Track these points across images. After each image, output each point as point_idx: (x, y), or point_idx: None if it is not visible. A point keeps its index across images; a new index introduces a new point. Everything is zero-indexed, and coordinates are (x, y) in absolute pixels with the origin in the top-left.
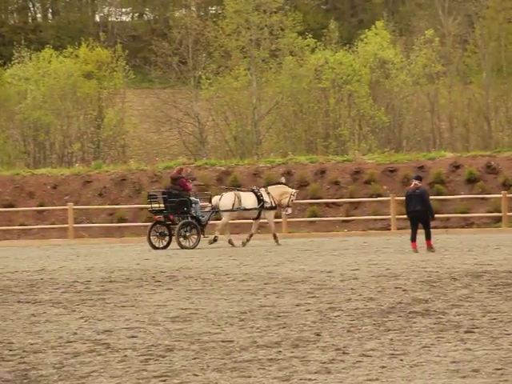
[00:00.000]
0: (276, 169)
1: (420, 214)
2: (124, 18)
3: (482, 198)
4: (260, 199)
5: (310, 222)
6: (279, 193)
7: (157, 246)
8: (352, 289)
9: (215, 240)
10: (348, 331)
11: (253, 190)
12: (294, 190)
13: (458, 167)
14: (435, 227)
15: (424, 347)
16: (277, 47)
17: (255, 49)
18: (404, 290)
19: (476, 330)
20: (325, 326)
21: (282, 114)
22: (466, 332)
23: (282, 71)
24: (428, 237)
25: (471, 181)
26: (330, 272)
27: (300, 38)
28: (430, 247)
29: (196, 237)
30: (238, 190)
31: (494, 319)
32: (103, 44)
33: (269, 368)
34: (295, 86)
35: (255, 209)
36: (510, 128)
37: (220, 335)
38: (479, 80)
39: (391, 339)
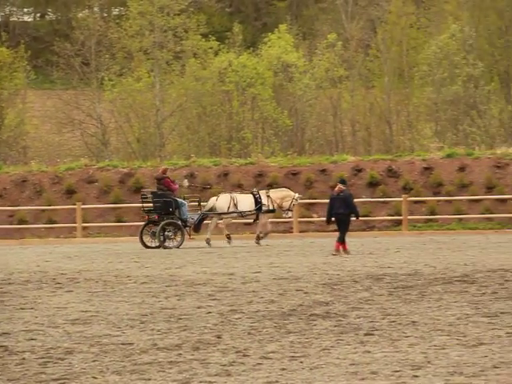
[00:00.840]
0: (179, 171)
1: (342, 217)
2: (26, 18)
3: (383, 202)
4: (258, 202)
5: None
6: (281, 196)
7: (149, 245)
8: (253, 291)
9: (229, 238)
10: (249, 333)
11: (252, 193)
12: (297, 195)
13: (359, 171)
14: (336, 230)
15: (324, 349)
16: (181, 49)
17: (159, 51)
18: (305, 293)
19: (375, 333)
20: (226, 329)
21: (185, 116)
22: (365, 334)
23: (186, 73)
24: (340, 240)
25: (373, 184)
26: (231, 274)
27: (204, 40)
28: (338, 250)
29: (180, 237)
30: (239, 192)
31: (394, 322)
32: (4, 44)
33: (169, 370)
34: (199, 89)
35: (250, 213)
36: (411, 132)
37: (120, 337)
38: (381, 84)
39: (292, 341)
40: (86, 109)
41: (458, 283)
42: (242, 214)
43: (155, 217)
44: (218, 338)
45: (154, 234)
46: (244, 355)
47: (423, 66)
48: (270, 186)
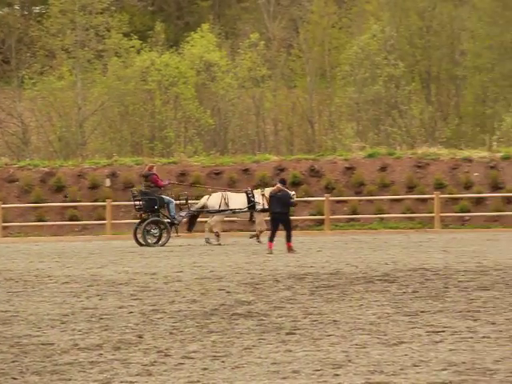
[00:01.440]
0: (101, 170)
1: (280, 216)
2: None
3: (306, 201)
4: (251, 201)
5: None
6: None
7: (149, 242)
8: (175, 291)
9: (217, 236)
10: (170, 333)
11: (246, 192)
12: (292, 192)
13: (282, 170)
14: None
15: (246, 349)
16: (103, 48)
17: (80, 49)
18: (227, 292)
19: (297, 332)
20: (147, 328)
21: (107, 115)
22: (287, 334)
23: (108, 72)
24: (288, 239)
25: (295, 184)
26: (153, 274)
27: (126, 39)
28: (289, 248)
29: (165, 235)
30: (232, 191)
31: (315, 321)
32: None
33: (89, 371)
34: (121, 88)
35: (241, 210)
36: (333, 132)
37: (41, 338)
38: (303, 84)
39: (214, 341)
40: (6, 107)
41: (379, 282)
42: (233, 212)
43: (141, 215)
44: (140, 337)
45: (145, 232)
46: (165, 355)
47: (345, 66)
48: (265, 185)
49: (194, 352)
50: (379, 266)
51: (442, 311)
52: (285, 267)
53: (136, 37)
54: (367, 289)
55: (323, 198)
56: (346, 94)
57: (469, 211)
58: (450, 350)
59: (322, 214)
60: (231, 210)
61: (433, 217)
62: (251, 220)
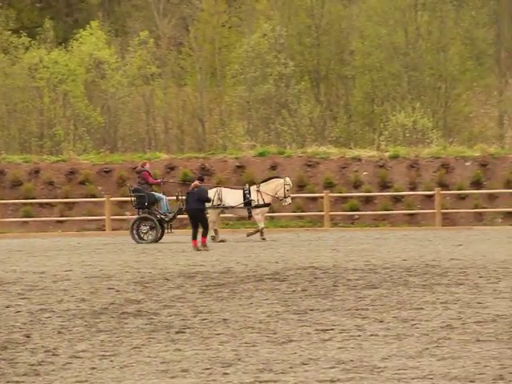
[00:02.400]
0: None
1: (195, 213)
2: None
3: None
4: (246, 198)
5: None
6: (272, 187)
7: (145, 239)
8: (64, 290)
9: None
10: (59, 332)
11: (243, 188)
12: (287, 179)
13: (172, 169)
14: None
15: (135, 348)
16: None
17: None
18: (117, 291)
19: (187, 331)
20: (35, 328)
21: None
22: (177, 332)
23: None
24: (204, 234)
25: (186, 182)
26: (42, 273)
27: (14, 35)
28: (203, 244)
29: (153, 232)
30: (228, 188)
31: (205, 319)
32: None
33: None
34: (8, 84)
35: (232, 206)
36: (224, 130)
37: None
38: (194, 82)
39: (102, 340)
40: None
41: (269, 281)
42: (226, 208)
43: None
44: (27, 337)
45: (150, 228)
46: (53, 354)
47: (235, 64)
48: (264, 180)
49: (83, 351)
50: (269, 264)
51: (331, 309)
52: (175, 266)
53: (24, 34)
54: (257, 287)
55: None
56: (237, 93)
57: (358, 210)
58: (339, 347)
59: None
60: (224, 206)
61: (322, 215)
62: (250, 217)
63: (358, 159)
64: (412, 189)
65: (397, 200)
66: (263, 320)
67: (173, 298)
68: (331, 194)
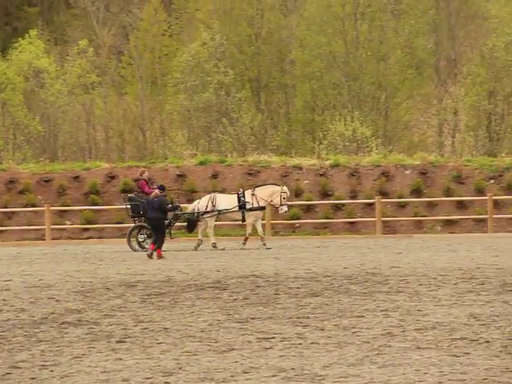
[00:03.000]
0: None
1: (154, 222)
2: None
3: None
4: (240, 201)
5: None
6: (268, 193)
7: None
8: (3, 300)
9: (199, 244)
10: None
11: (238, 193)
12: (284, 187)
13: (113, 178)
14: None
15: (75, 357)
16: None
17: None
18: (57, 301)
19: (128, 340)
20: None
21: None
22: (117, 342)
23: None
24: (159, 245)
25: (126, 191)
26: None
27: None
28: (152, 251)
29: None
30: (223, 193)
31: (146, 329)
32: None
33: None
34: None
35: (227, 211)
36: (165, 139)
37: None
38: (134, 91)
39: (42, 350)
40: None
41: (211, 289)
42: (220, 213)
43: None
44: None
45: (148, 237)
46: None
47: (176, 73)
48: (262, 184)
49: (22, 361)
50: (211, 273)
51: (273, 318)
52: (116, 275)
53: None
54: (198, 296)
55: None
56: (177, 102)
57: (299, 218)
58: (280, 356)
59: None
60: (218, 211)
61: (264, 224)
62: (244, 221)
63: (299, 168)
64: (352, 197)
65: (337, 208)
66: (204, 329)
67: (114, 308)
68: (272, 203)
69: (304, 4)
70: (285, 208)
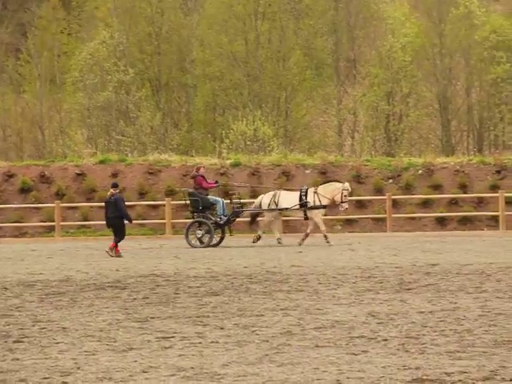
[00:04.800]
0: None
1: (114, 221)
2: None
3: (36, 208)
4: (302, 199)
5: None
6: (330, 190)
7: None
8: None
9: (258, 239)
10: None
11: (300, 190)
12: (346, 184)
13: (11, 176)
14: None
15: None
16: None
17: None
18: None
19: (25, 340)
20: None
21: None
22: (14, 342)
23: None
24: (116, 241)
25: (25, 190)
26: None
27: None
28: (113, 250)
29: (208, 236)
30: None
31: (44, 328)
32: None
33: None
34: None
35: (285, 209)
36: (64, 138)
37: None
38: (33, 89)
39: None
40: None
41: (110, 289)
42: (282, 210)
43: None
44: None
45: (207, 233)
46: None
47: (75, 71)
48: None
49: None
50: (110, 272)
51: (172, 317)
52: (14, 274)
53: None
54: (97, 295)
55: (54, 205)
56: (76, 100)
57: None
58: (179, 355)
59: (53, 221)
60: (280, 208)
61: (164, 223)
62: (306, 219)
63: None
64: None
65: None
66: (103, 328)
67: (11, 307)
68: (173, 202)
69: (204, 3)
70: (345, 205)
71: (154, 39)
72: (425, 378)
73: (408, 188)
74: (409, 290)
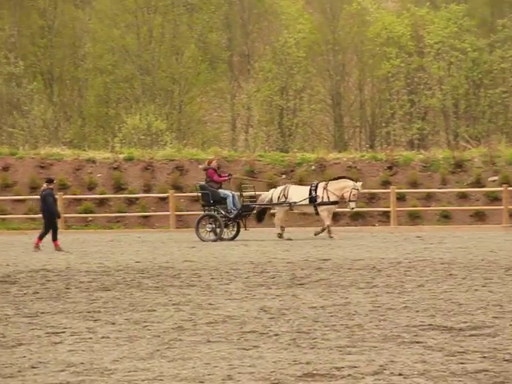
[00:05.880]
0: None
1: (43, 214)
2: None
3: None
4: (311, 194)
5: None
6: (339, 187)
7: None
8: None
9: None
10: None
11: (311, 184)
12: (358, 183)
13: None
14: None
15: None
16: None
17: None
18: None
19: None
20: None
21: None
22: None
23: None
24: (42, 236)
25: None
26: None
27: None
28: (36, 246)
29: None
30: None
31: None
32: None
33: None
34: None
35: (294, 203)
36: None
37: None
38: None
39: None
40: None
41: (0, 284)
42: (291, 205)
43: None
44: None
45: (225, 226)
46: None
47: None
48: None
49: None
50: (0, 267)
51: (63, 312)
52: None
53: None
54: None
55: None
56: None
57: (92, 212)
58: (69, 350)
59: None
60: (289, 203)
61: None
62: (317, 214)
63: (93, 161)
64: (146, 191)
65: (131, 202)
66: None
67: None
68: (65, 196)
69: None
70: (352, 204)
71: (47, 32)
72: (315, 372)
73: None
74: (301, 285)
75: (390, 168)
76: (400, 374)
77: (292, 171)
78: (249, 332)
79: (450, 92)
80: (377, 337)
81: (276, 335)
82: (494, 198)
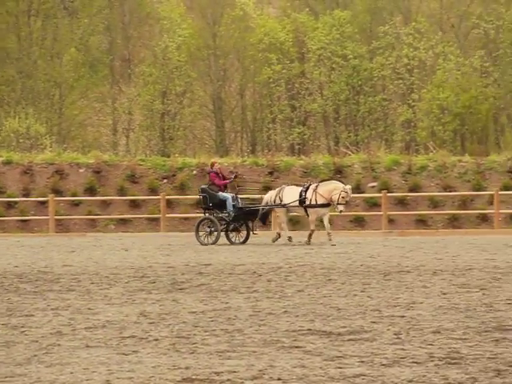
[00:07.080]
0: None
1: None
2: None
3: None
4: (301, 196)
5: None
6: (328, 189)
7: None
8: None
9: (278, 238)
10: None
11: (303, 185)
12: (347, 186)
13: None
14: None
15: None
16: None
17: None
18: None
19: None
20: None
21: None
22: None
23: None
24: None
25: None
26: None
27: None
28: None
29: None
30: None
31: None
32: None
33: None
34: None
35: (283, 205)
36: None
37: None
38: None
39: None
40: None
41: None
42: (284, 206)
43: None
44: None
45: (234, 229)
46: None
47: None
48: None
49: None
50: None
51: None
52: None
53: None
54: None
55: None
56: None
57: None
58: None
59: None
60: (282, 204)
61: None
62: (307, 216)
63: None
64: (25, 195)
65: (10, 206)
66: None
67: None
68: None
69: None
70: (341, 207)
71: None
72: (194, 377)
73: (182, 188)
74: (181, 289)
75: (270, 173)
76: (279, 379)
77: (173, 176)
78: (128, 337)
79: (331, 98)
80: (256, 341)
81: (155, 340)
82: (374, 204)
